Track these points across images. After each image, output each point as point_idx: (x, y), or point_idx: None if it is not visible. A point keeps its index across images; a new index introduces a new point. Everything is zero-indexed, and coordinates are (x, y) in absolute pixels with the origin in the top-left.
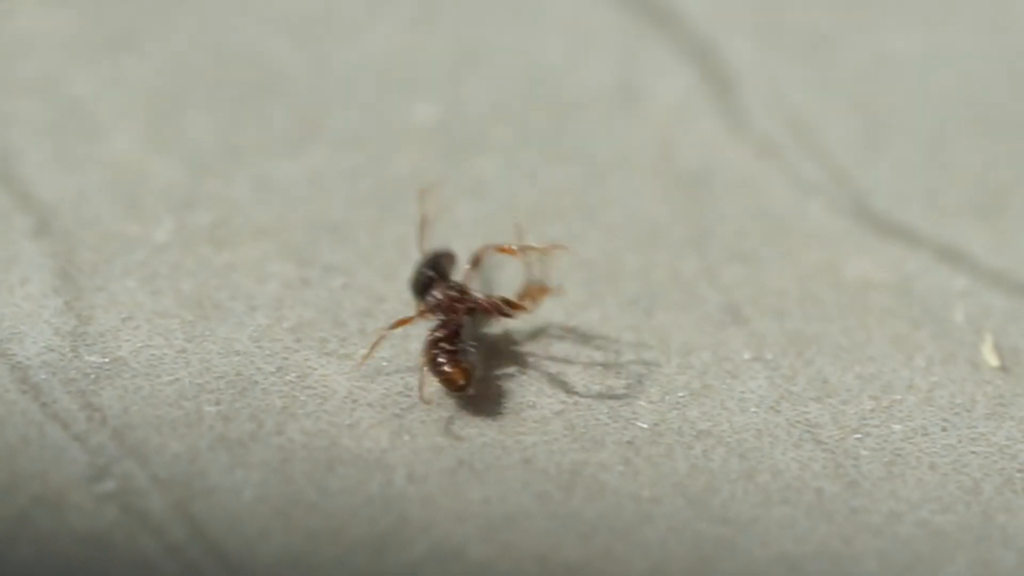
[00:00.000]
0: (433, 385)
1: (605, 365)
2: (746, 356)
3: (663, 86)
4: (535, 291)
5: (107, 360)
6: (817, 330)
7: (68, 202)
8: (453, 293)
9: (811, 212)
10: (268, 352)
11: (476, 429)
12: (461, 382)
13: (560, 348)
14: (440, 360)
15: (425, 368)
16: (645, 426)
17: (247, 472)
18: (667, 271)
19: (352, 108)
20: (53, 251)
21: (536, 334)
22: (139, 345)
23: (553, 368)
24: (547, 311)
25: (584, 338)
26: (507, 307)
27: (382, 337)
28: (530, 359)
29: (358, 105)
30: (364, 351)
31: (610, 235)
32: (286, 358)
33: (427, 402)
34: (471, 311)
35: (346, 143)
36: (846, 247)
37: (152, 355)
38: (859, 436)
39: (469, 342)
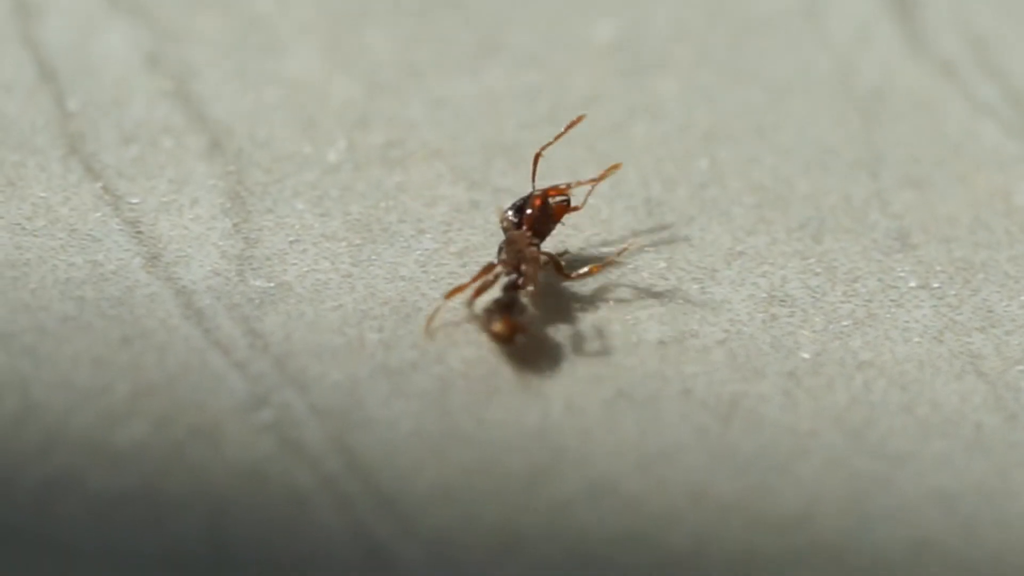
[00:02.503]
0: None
1: (770, 292)
2: (912, 284)
3: (845, 5)
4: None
5: (272, 285)
6: (985, 257)
7: (242, 121)
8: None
9: (986, 135)
10: (433, 277)
11: (638, 359)
12: (505, 336)
13: (725, 275)
14: (489, 312)
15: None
16: (807, 356)
17: (406, 402)
18: (838, 196)
19: (531, 26)
20: (224, 171)
21: (700, 260)
22: (305, 269)
23: (717, 295)
24: (714, 235)
25: (750, 264)
26: (556, 270)
27: (439, 308)
28: (694, 286)
29: (537, 23)
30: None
31: (783, 158)
32: (451, 283)
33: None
34: (516, 267)
35: (524, 62)
36: (1019, 172)
37: (317, 279)
38: (1022, 368)
39: (524, 294)
